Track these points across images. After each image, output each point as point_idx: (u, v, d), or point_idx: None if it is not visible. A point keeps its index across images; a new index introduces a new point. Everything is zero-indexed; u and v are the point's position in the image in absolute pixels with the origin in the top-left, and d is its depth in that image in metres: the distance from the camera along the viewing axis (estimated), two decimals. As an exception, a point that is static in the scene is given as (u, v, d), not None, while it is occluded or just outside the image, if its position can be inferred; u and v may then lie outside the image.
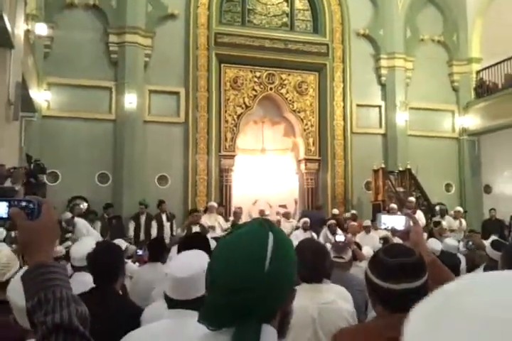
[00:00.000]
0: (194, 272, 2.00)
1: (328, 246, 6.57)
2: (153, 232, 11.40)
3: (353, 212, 12.31)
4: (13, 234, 3.56)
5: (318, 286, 2.65)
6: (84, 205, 11.89)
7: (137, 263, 5.99)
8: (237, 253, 1.02)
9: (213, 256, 1.08)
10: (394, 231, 2.22)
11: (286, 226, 11.35)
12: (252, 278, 0.99)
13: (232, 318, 0.99)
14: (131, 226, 11.52)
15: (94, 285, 2.92)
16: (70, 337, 1.07)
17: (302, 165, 14.56)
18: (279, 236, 1.06)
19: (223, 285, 1.01)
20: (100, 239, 5.65)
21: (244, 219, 11.68)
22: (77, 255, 3.75)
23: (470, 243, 8.75)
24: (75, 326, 1.08)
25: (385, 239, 7.46)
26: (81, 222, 8.56)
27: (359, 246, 6.68)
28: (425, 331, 0.51)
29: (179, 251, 2.59)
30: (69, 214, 8.73)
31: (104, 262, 2.95)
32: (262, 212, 12.18)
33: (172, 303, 2.05)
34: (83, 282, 3.01)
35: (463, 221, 11.85)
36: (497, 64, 14.41)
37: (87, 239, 4.52)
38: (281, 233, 1.09)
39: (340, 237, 6.60)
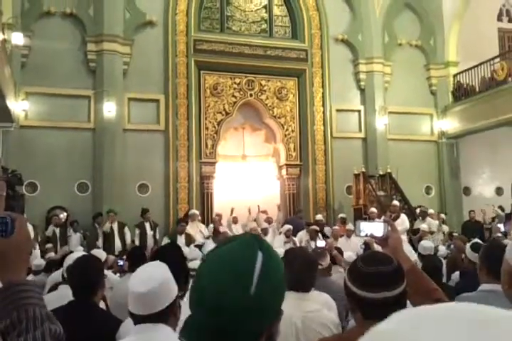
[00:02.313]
0: (152, 286, 1.98)
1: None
2: (136, 241, 11.26)
3: (342, 215, 12.17)
4: None
5: (305, 295, 2.65)
6: (63, 215, 11.80)
7: (118, 274, 5.92)
8: (222, 273, 0.98)
9: (198, 272, 1.03)
10: (373, 238, 2.22)
11: (269, 231, 11.36)
12: (237, 300, 0.95)
13: (213, 339, 0.96)
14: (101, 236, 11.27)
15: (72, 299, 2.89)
16: None
17: (283, 171, 14.58)
18: (269, 256, 1.01)
19: (207, 304, 0.97)
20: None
21: (225, 225, 11.69)
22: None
23: (451, 246, 8.85)
24: None
25: (366, 244, 7.48)
26: None
27: (340, 252, 6.70)
28: None
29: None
30: None
31: (83, 275, 2.92)
32: (235, 219, 12.17)
33: (136, 319, 2.03)
34: (69, 295, 2.97)
35: (436, 223, 11.94)
36: (473, 67, 14.58)
37: (82, 253, 4.47)
38: (272, 252, 1.04)
39: (321, 243, 6.61)
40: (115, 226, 11.27)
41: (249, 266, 0.98)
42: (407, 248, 3.98)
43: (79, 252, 5.04)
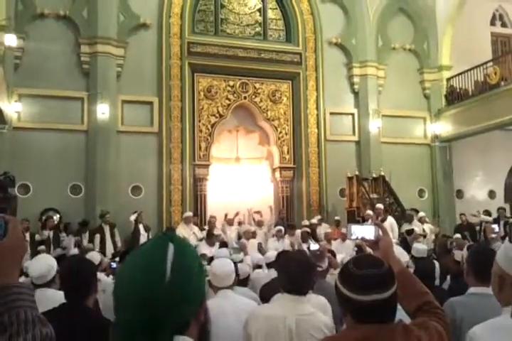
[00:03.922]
0: None
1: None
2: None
3: (337, 218, 12.43)
4: None
5: (300, 298, 2.66)
6: (56, 217, 11.77)
7: (111, 276, 5.91)
8: (137, 267, 1.02)
9: (117, 273, 1.08)
10: (364, 241, 2.23)
11: (259, 233, 11.35)
12: (153, 289, 0.98)
13: (143, 334, 0.98)
14: (97, 239, 11.22)
15: (64, 301, 2.88)
16: None
17: (277, 174, 14.60)
18: (181, 246, 1.06)
19: (127, 300, 1.00)
20: None
21: (219, 228, 11.68)
22: (34, 273, 3.68)
23: (454, 243, 8.96)
24: None
25: (358, 247, 7.50)
26: None
27: (333, 254, 6.71)
28: None
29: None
30: None
31: (77, 278, 2.91)
32: (230, 222, 12.17)
33: None
34: (45, 298, 2.95)
35: (429, 226, 12.02)
36: (466, 71, 14.65)
37: (44, 256, 4.44)
38: (184, 243, 1.08)
39: (314, 246, 6.63)
40: (107, 228, 11.28)
41: (160, 257, 1.02)
42: (399, 249, 4.00)
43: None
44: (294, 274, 2.63)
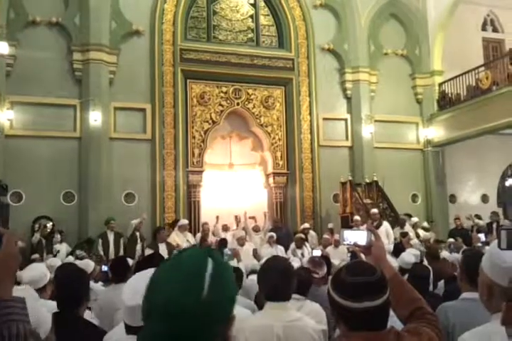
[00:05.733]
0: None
1: (294, 259, 6.53)
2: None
3: (330, 226, 12.47)
4: None
5: (284, 304, 2.65)
6: (49, 225, 11.71)
7: (100, 282, 5.84)
8: (174, 278, 1.01)
9: (150, 280, 1.06)
10: (356, 247, 2.23)
11: (255, 239, 11.35)
12: (189, 303, 0.97)
13: None
14: (99, 244, 11.25)
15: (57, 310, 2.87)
16: None
17: (270, 179, 14.59)
18: (219, 263, 1.05)
19: (159, 310, 0.99)
20: None
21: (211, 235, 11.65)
22: (26, 279, 3.64)
23: (452, 246, 9.02)
24: None
25: (352, 253, 7.51)
26: None
27: (328, 259, 6.71)
28: None
29: (135, 273, 2.55)
30: None
31: (69, 287, 2.90)
32: (225, 227, 12.16)
33: (129, 329, 2.02)
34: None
35: (422, 231, 12.06)
36: (458, 76, 14.72)
37: (38, 264, 4.40)
38: (222, 260, 1.08)
39: (316, 252, 6.66)
40: (111, 235, 11.28)
41: (199, 272, 1.01)
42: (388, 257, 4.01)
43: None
44: (275, 280, 2.62)
